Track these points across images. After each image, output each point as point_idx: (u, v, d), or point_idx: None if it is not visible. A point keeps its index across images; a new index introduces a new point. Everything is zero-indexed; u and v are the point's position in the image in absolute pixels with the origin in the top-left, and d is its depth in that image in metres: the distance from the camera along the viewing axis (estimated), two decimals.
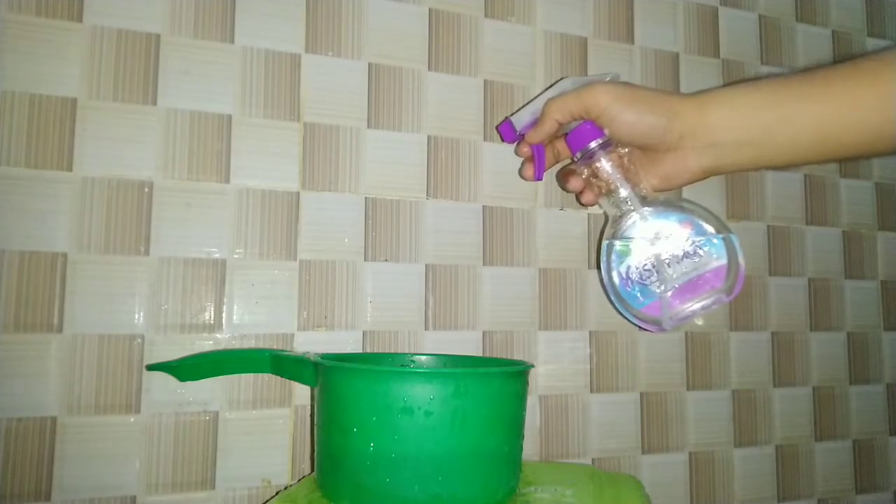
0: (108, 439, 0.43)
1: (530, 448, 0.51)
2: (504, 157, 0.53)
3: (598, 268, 0.47)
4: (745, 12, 0.63)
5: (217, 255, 0.46)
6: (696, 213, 0.45)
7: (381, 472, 0.35)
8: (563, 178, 0.50)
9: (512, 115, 0.50)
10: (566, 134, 0.47)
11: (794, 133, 0.39)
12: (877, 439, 0.64)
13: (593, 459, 0.54)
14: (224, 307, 0.46)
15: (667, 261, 0.44)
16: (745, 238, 0.61)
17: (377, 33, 0.51)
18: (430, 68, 0.52)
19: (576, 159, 0.47)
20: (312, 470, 0.46)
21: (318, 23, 0.50)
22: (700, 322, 0.44)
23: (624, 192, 0.45)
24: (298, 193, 0.48)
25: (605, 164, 0.45)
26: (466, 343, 0.51)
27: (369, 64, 0.51)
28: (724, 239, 0.44)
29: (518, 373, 0.39)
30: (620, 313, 0.46)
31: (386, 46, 0.51)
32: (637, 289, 0.45)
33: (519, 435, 0.39)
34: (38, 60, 0.43)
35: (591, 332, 0.54)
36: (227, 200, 0.46)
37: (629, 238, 0.45)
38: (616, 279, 0.45)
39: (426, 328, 0.50)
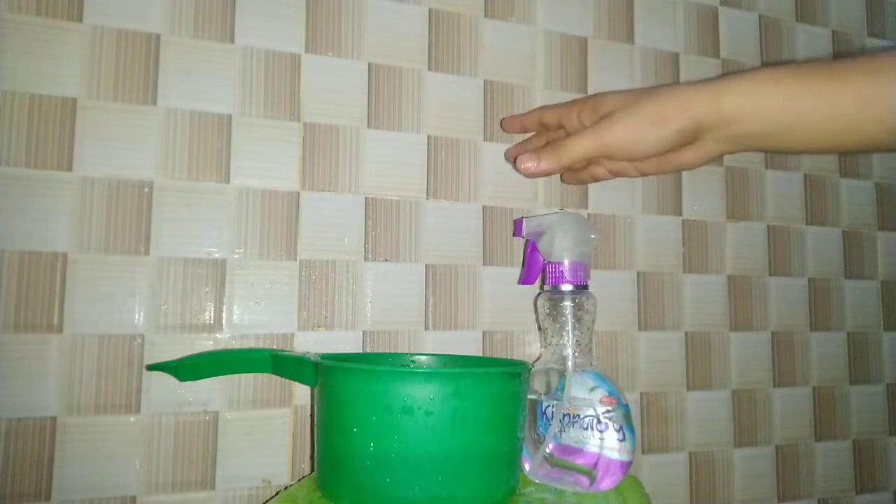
0: (108, 439, 0.43)
1: None
2: (503, 157, 0.54)
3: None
4: (745, 12, 0.63)
5: (217, 255, 0.46)
6: (622, 405, 0.43)
7: (381, 472, 0.35)
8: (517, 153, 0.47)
9: (525, 217, 0.51)
10: (547, 262, 0.47)
11: (811, 128, 0.39)
12: (877, 439, 0.64)
13: None
14: (224, 307, 0.46)
15: (567, 419, 0.43)
16: (744, 238, 0.61)
17: (377, 33, 0.51)
18: (430, 68, 0.52)
19: (544, 289, 0.48)
20: (312, 470, 0.46)
21: (318, 23, 0.50)
22: (567, 489, 0.42)
23: (569, 341, 0.45)
24: (298, 193, 0.48)
25: (566, 308, 0.46)
26: (466, 343, 0.51)
27: (369, 64, 0.51)
28: (627, 439, 0.42)
29: (518, 373, 0.39)
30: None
31: (386, 46, 0.51)
32: (543, 425, 0.44)
33: (519, 435, 0.39)
34: (38, 60, 0.43)
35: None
36: (227, 200, 0.46)
37: (563, 377, 0.44)
38: (538, 403, 0.44)
39: (426, 328, 0.50)
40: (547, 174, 0.45)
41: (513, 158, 0.50)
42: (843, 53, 0.67)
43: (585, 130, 0.43)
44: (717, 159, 0.44)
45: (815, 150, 0.41)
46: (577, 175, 0.52)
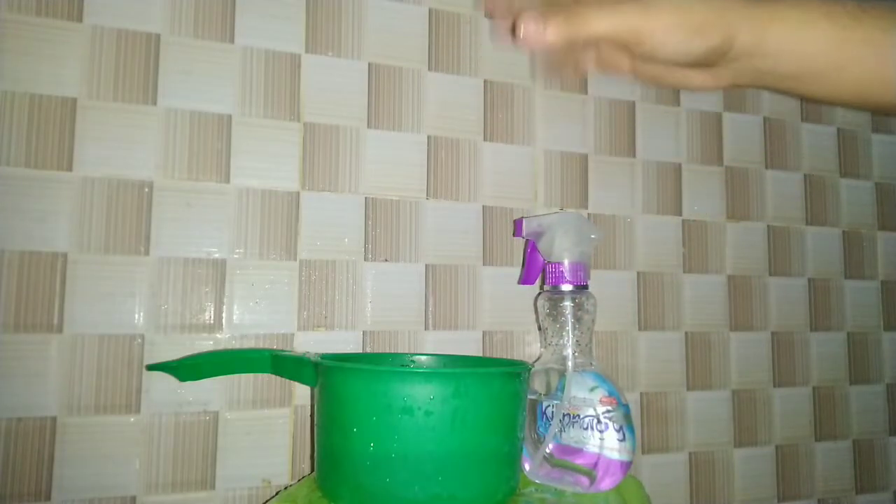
0: (108, 439, 0.43)
1: None
2: (504, 157, 0.54)
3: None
4: None
5: (217, 255, 0.46)
6: (622, 405, 0.43)
7: (381, 472, 0.35)
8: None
9: (525, 217, 0.50)
10: (547, 262, 0.47)
11: (847, 76, 0.33)
12: (877, 439, 0.64)
13: None
14: (224, 307, 0.46)
15: (567, 419, 0.43)
16: (744, 238, 0.61)
17: (377, 33, 0.51)
18: (430, 68, 0.52)
19: (544, 289, 0.48)
20: (312, 470, 0.46)
21: (318, 23, 0.50)
22: (566, 489, 0.42)
23: (569, 341, 0.45)
24: (298, 193, 0.48)
25: (566, 308, 0.46)
26: (466, 343, 0.51)
27: (369, 64, 0.51)
28: (627, 439, 0.42)
29: (518, 373, 0.39)
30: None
31: (386, 46, 0.51)
32: (543, 425, 0.44)
33: (519, 435, 0.39)
34: (38, 60, 0.43)
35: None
36: (227, 200, 0.46)
37: (563, 377, 0.44)
38: (538, 403, 0.44)
39: (426, 328, 0.50)
40: (547, 45, 0.35)
41: (504, 14, 0.38)
42: None
43: (611, 5, 0.34)
44: (719, 90, 0.38)
45: (838, 101, 0.35)
46: (561, 60, 0.42)
